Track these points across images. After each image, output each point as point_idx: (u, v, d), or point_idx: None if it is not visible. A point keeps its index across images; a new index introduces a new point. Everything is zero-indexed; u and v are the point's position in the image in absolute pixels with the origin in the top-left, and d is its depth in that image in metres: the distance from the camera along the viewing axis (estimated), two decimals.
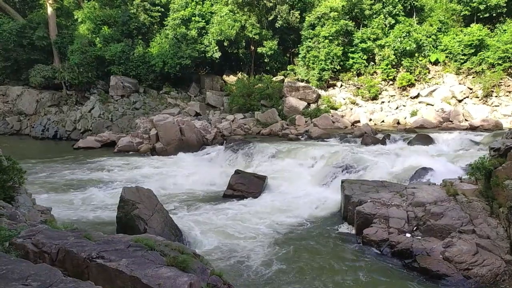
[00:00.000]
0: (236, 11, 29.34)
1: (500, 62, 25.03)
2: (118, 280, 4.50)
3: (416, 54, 27.63)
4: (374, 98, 27.58)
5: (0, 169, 7.68)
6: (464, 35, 26.55)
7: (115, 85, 29.99)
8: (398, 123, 25.06)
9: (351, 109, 27.16)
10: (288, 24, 29.44)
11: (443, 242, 8.58)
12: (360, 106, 27.24)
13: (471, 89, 26.14)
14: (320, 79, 27.73)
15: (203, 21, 29.86)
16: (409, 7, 29.21)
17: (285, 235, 10.31)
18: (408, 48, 26.92)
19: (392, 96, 27.75)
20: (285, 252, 9.21)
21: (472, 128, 21.84)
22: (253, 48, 31.25)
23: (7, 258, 4.26)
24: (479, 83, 25.50)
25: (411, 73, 27.49)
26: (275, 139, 22.06)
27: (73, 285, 3.82)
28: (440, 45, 27.69)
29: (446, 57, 27.46)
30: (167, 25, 30.50)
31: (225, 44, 29.03)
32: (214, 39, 28.91)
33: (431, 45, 27.72)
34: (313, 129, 23.06)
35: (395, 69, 28.00)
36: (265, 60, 30.85)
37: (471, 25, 27.19)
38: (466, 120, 23.79)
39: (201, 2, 30.74)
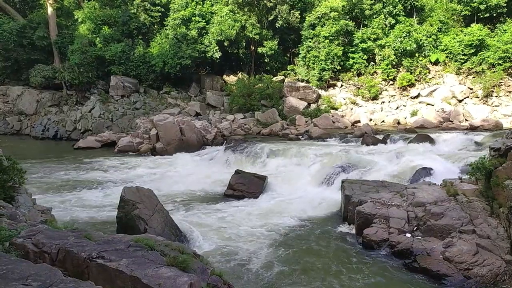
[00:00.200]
0: (236, 11, 29.34)
1: (500, 62, 25.05)
2: (118, 280, 4.51)
3: (416, 54, 27.64)
4: (374, 98, 27.59)
5: (1, 169, 7.68)
6: (465, 35, 26.56)
7: (115, 85, 30.01)
8: (398, 123, 25.08)
9: (351, 109, 27.16)
10: (288, 24, 29.45)
11: (443, 242, 8.58)
12: (360, 106, 27.25)
13: (471, 89, 26.14)
14: (320, 79, 27.74)
15: (203, 21, 29.89)
16: (410, 7, 29.22)
17: (285, 235, 10.30)
18: (408, 48, 26.93)
19: (392, 96, 27.75)
20: (285, 253, 9.20)
21: (472, 128, 21.84)
22: (253, 48, 31.25)
23: (7, 258, 4.25)
24: (479, 83, 25.50)
25: (411, 73, 27.50)
26: (275, 139, 22.09)
27: (73, 285, 3.82)
28: (441, 45, 27.70)
29: (446, 57, 27.47)
30: (167, 25, 30.52)
31: (225, 44, 29.05)
32: (214, 39, 28.93)
33: (431, 45, 27.73)
34: (313, 129, 23.07)
35: (395, 69, 28.01)
36: (265, 60, 30.86)
37: (472, 25, 27.21)
38: (466, 120, 23.80)
39: (201, 2, 30.76)
